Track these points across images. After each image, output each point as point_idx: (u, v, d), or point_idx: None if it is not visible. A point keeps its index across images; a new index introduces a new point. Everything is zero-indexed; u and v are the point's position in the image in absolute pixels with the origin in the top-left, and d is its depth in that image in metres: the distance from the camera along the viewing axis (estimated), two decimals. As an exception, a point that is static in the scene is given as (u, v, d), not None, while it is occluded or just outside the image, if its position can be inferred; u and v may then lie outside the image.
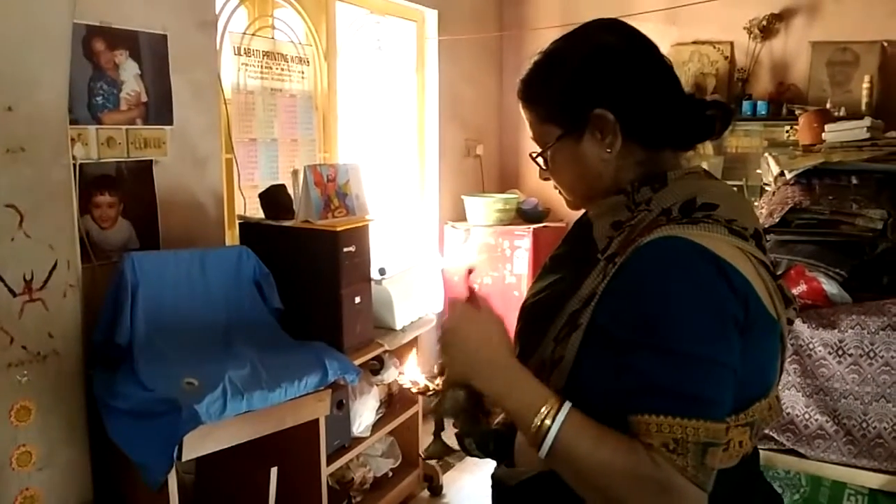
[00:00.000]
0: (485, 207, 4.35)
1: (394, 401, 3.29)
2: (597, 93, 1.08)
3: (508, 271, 4.27)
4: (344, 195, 2.82)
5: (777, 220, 3.09)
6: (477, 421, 1.13)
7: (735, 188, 4.32)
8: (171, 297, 2.46)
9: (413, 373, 1.59)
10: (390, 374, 3.16)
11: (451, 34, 4.36)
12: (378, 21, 3.98)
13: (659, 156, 1.10)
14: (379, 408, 3.12)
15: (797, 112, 4.05)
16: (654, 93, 1.09)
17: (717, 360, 0.92)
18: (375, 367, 3.15)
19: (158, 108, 2.64)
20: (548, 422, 0.96)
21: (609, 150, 1.09)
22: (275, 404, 2.33)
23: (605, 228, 1.09)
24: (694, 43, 4.45)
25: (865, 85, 3.97)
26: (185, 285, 2.51)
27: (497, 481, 1.21)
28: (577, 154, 1.10)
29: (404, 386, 1.58)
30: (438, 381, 1.55)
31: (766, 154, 3.36)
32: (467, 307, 1.10)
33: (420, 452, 1.61)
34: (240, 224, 2.89)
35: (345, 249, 2.73)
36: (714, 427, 0.91)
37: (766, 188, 3.49)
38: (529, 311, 1.14)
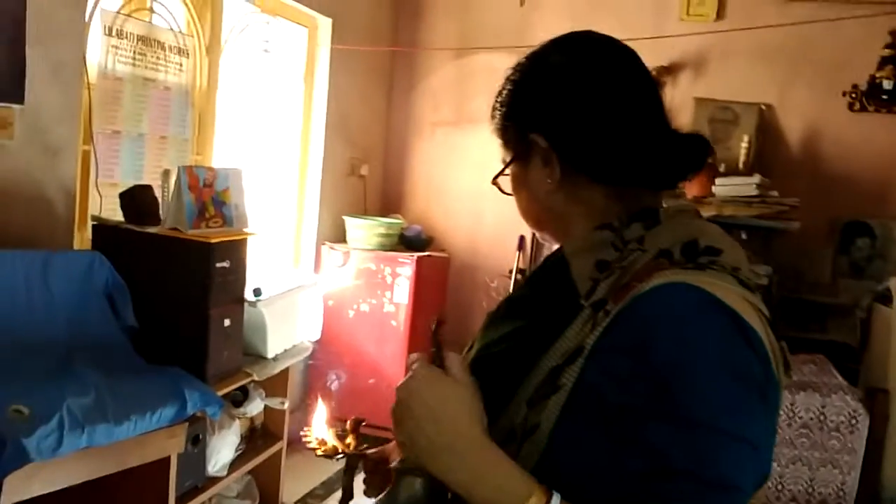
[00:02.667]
0: (366, 230, 4.12)
1: (255, 436, 2.98)
2: (532, 116, 0.96)
3: (388, 299, 4.04)
4: (221, 203, 2.52)
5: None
6: None
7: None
8: (2, 305, 2.06)
9: (319, 428, 1.34)
10: (255, 406, 2.86)
11: (344, 44, 4.13)
12: (268, 21, 3.70)
13: (629, 193, 0.94)
14: (239, 444, 2.80)
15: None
16: (598, 120, 0.92)
17: (741, 435, 0.76)
18: (238, 397, 2.83)
19: (8, 83, 2.24)
20: None
21: (549, 181, 0.95)
22: (121, 440, 1.99)
23: (587, 269, 0.90)
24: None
25: (744, 144, 4.08)
26: (22, 292, 2.13)
27: None
28: (525, 181, 0.99)
29: (309, 445, 1.32)
30: (350, 439, 1.30)
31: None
32: (429, 371, 0.86)
33: None
34: (93, 226, 2.51)
35: (218, 265, 2.42)
36: None
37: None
38: (484, 367, 0.93)
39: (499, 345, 0.95)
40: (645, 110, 0.94)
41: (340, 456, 1.25)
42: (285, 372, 2.94)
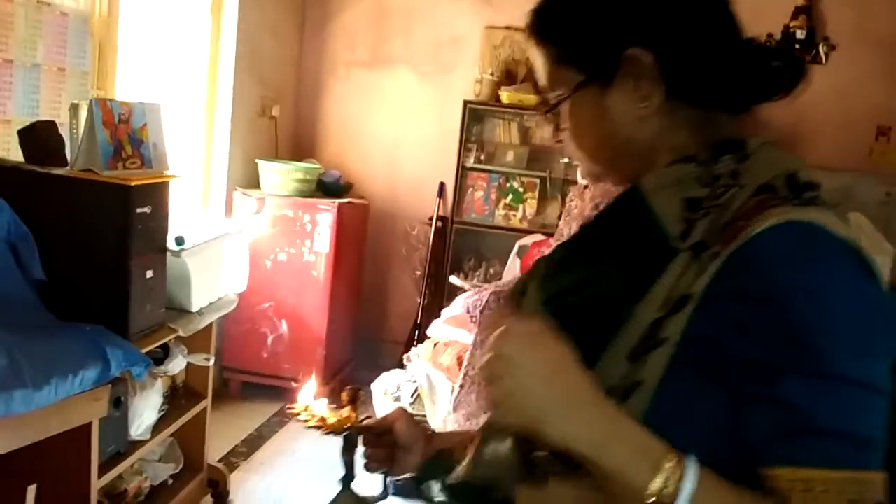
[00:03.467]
0: (283, 175, 3.90)
1: (177, 396, 2.77)
2: (633, 26, 0.82)
3: (308, 248, 3.85)
4: (139, 142, 2.27)
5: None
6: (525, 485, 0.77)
7: (538, 180, 4.33)
8: None
9: (316, 403, 1.20)
10: (177, 364, 2.64)
11: (254, -25, 3.83)
12: (172, -56, 3.36)
13: (711, 119, 0.84)
14: (161, 405, 2.59)
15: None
16: (710, 32, 0.83)
17: (881, 387, 0.68)
18: (159, 355, 2.61)
19: None
20: (670, 487, 0.66)
21: (645, 105, 0.82)
22: (41, 406, 1.77)
23: (675, 208, 0.79)
24: (507, 28, 4.33)
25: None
26: (-90, 243, 1.84)
27: None
28: (603, 108, 0.84)
29: (307, 424, 1.18)
30: (348, 411, 1.18)
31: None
32: (532, 324, 0.75)
33: None
34: (-12, 167, 2.21)
35: (138, 210, 2.19)
36: (880, 480, 0.67)
37: (583, 180, 3.44)
38: (562, 319, 0.80)
39: (576, 293, 0.83)
40: (733, 21, 0.84)
41: (345, 431, 1.12)
42: (209, 326, 2.74)
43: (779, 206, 0.72)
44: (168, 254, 2.42)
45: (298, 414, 0.98)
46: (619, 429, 0.70)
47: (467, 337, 3.13)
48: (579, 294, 0.83)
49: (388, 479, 1.15)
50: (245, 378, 3.85)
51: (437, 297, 4.38)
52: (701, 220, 0.76)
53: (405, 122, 4.45)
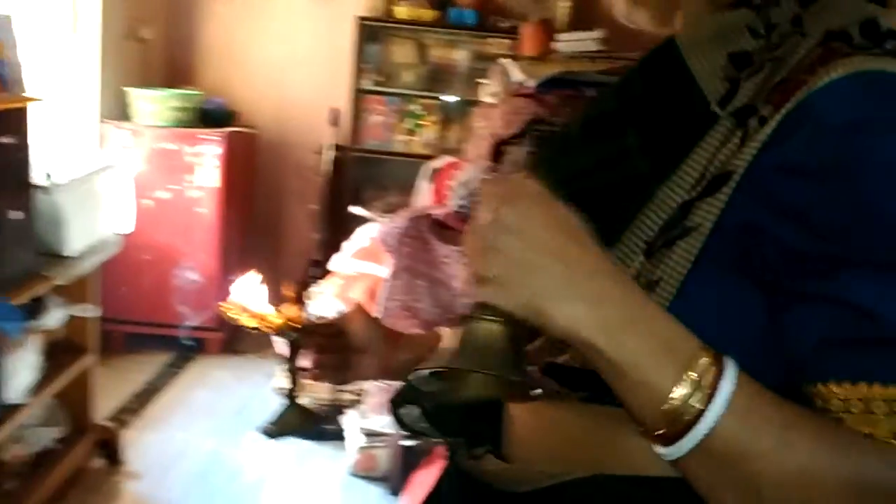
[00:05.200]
0: (158, 104, 3.51)
1: (57, 352, 2.46)
2: None
3: (191, 184, 3.52)
4: (-11, 58, 1.91)
5: (515, 131, 2.90)
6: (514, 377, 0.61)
7: (438, 103, 4.12)
8: None
9: (254, 300, 1.01)
10: (54, 318, 2.34)
11: None
12: None
13: None
14: (40, 364, 2.28)
15: (504, 24, 3.93)
16: None
17: None
18: (31, 307, 2.29)
19: None
20: (700, 393, 0.52)
21: None
22: None
23: (717, 64, 0.63)
24: (398, -62, 4.03)
25: (564, 2, 3.94)
26: None
27: (483, 482, 0.72)
28: None
29: (239, 321, 0.99)
30: (293, 310, 1.00)
31: (502, 61, 3.13)
32: (538, 186, 0.58)
33: (262, 429, 1.02)
34: None
35: (-5, 139, 1.86)
36: None
37: (489, 99, 3.28)
38: (581, 205, 0.64)
39: (590, 177, 0.67)
40: None
41: (292, 333, 0.95)
42: (90, 273, 2.43)
43: (851, 55, 0.57)
44: (37, 191, 2.09)
45: (229, 312, 0.84)
46: (640, 313, 0.55)
47: (379, 269, 2.95)
48: (594, 177, 0.68)
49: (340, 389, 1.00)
50: (129, 329, 3.53)
51: (336, 231, 4.15)
52: (749, 79, 0.61)
53: (293, 43, 4.10)
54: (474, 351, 0.57)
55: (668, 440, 0.53)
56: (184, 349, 3.51)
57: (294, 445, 2.85)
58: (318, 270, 3.94)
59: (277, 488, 2.58)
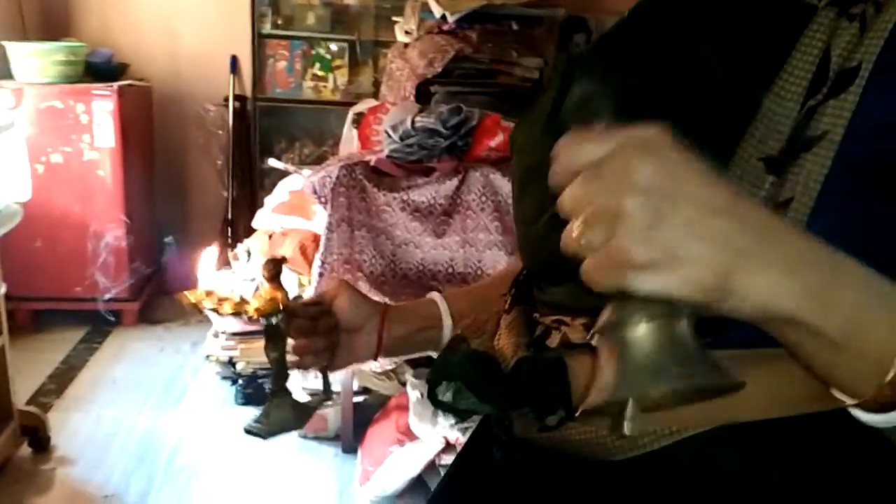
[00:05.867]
0: (40, 59, 3.18)
1: (-37, 337, 2.22)
2: None
3: (88, 144, 3.23)
4: None
5: (439, 69, 2.79)
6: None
7: (346, 45, 3.94)
8: None
9: (220, 282, 0.88)
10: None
11: None
12: None
13: None
14: (-54, 351, 2.05)
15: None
16: None
17: None
18: (-71, 290, 2.04)
19: None
20: None
21: None
22: None
23: None
24: None
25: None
26: None
27: (560, 453, 0.64)
28: None
29: (220, 313, 0.85)
30: (268, 289, 0.87)
31: (418, -5, 2.99)
32: (647, 132, 0.44)
33: (250, 428, 0.89)
34: None
35: None
36: None
37: (407, 35, 3.15)
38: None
39: (670, 102, 0.58)
40: None
41: (276, 317, 0.82)
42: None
43: None
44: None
45: (197, 304, 0.71)
46: (838, 269, 0.44)
47: (306, 223, 2.80)
48: (668, 103, 0.58)
49: (330, 375, 0.90)
50: (35, 305, 3.25)
51: (247, 187, 3.94)
52: None
53: (179, -14, 3.80)
54: (653, 364, 0.44)
55: (887, 407, 0.45)
56: (97, 322, 3.27)
57: (233, 413, 2.72)
58: (233, 230, 3.76)
59: (222, 461, 2.45)
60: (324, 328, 0.83)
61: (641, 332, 0.44)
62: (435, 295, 0.91)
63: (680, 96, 0.59)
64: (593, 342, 0.49)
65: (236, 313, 0.85)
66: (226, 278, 3.03)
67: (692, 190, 0.42)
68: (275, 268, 0.87)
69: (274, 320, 0.82)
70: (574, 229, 0.43)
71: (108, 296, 3.29)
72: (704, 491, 0.59)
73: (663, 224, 0.41)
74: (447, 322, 0.87)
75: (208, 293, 0.87)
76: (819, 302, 0.43)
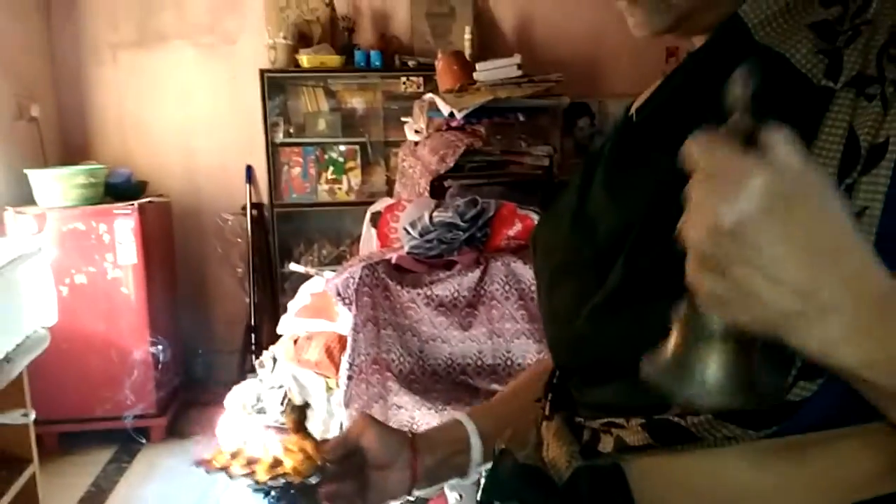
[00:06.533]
0: (62, 183, 3.27)
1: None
2: None
3: (111, 263, 3.27)
4: None
5: (452, 164, 2.85)
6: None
7: (357, 147, 4.03)
8: None
9: (250, 443, 0.83)
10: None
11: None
12: None
13: None
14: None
15: (411, 62, 3.91)
16: None
17: None
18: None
19: None
20: None
21: None
22: None
23: (802, 40, 0.58)
24: (289, -13, 3.95)
25: (467, 36, 3.96)
26: None
27: None
28: None
29: (254, 480, 0.79)
30: (294, 440, 0.82)
31: (428, 96, 3.07)
32: (780, 163, 0.42)
33: None
34: None
35: None
36: None
37: (416, 134, 3.22)
38: None
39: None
40: None
41: (315, 475, 0.77)
42: (20, 375, 2.18)
43: None
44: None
45: (227, 469, 0.66)
46: None
47: (330, 325, 2.80)
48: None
49: None
50: (62, 428, 3.23)
51: (269, 292, 3.96)
52: (848, 49, 0.56)
53: (194, 104, 3.93)
54: (710, 387, 0.46)
55: None
56: (126, 441, 3.23)
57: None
58: (257, 337, 3.75)
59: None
60: (353, 469, 0.80)
61: (707, 345, 0.46)
62: (459, 415, 0.87)
63: None
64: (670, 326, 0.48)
65: (273, 477, 0.78)
66: (252, 387, 3.01)
67: (771, 259, 0.42)
68: (299, 416, 0.82)
69: (312, 480, 0.77)
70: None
71: (135, 413, 3.29)
72: None
73: (730, 275, 0.42)
74: (475, 443, 0.84)
75: (234, 454, 0.81)
76: (882, 369, 0.44)
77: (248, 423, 2.83)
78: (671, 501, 0.60)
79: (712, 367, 0.46)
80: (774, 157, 0.41)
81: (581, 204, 0.70)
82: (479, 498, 0.71)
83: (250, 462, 0.80)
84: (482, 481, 0.78)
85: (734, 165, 0.41)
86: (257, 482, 0.78)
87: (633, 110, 0.73)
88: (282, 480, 0.78)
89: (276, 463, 0.79)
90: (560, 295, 0.70)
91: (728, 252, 0.42)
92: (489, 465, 0.81)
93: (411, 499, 0.90)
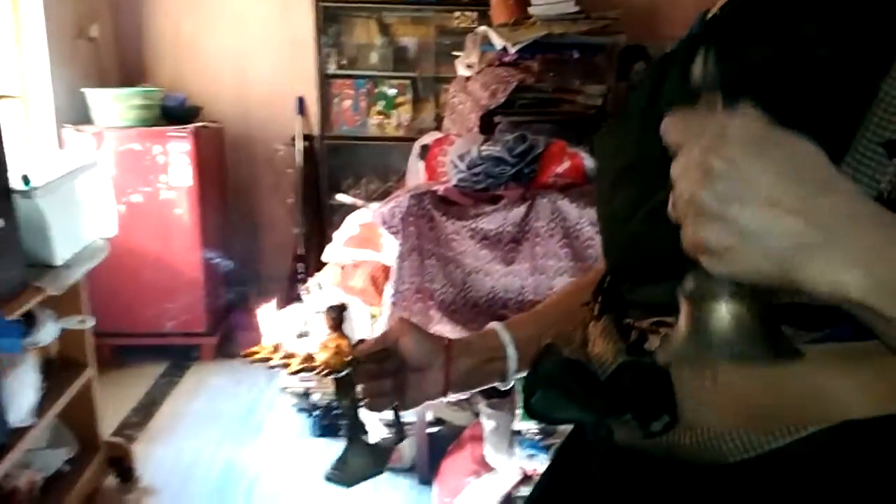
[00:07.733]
0: (119, 104, 3.33)
1: (54, 370, 2.31)
2: None
3: (164, 185, 3.35)
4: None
5: (503, 100, 2.82)
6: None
7: (409, 82, 4.01)
8: None
9: (286, 336, 0.88)
10: (48, 333, 2.18)
11: None
12: None
13: None
14: (40, 382, 2.13)
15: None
16: None
17: None
18: (24, 322, 2.13)
19: None
20: None
21: None
22: None
23: None
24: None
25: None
26: None
27: (666, 459, 0.63)
28: None
29: (289, 370, 0.85)
30: (333, 337, 0.86)
31: (481, 29, 3.04)
32: (744, 118, 0.46)
33: (329, 476, 0.87)
34: None
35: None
36: None
37: (468, 69, 3.19)
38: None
39: (780, 87, 0.58)
40: None
41: (343, 369, 0.82)
42: (78, 282, 2.27)
43: None
44: (16, 196, 1.94)
45: (267, 361, 0.71)
46: None
47: (376, 255, 2.84)
48: (769, 73, 0.58)
49: (401, 416, 0.88)
50: (117, 342, 3.36)
51: (317, 222, 4.02)
52: None
53: (248, 32, 3.94)
54: (721, 338, 0.49)
55: None
56: (177, 357, 3.36)
57: (309, 445, 2.74)
58: (304, 265, 3.82)
59: (300, 492, 2.47)
60: (391, 369, 0.83)
61: (715, 306, 0.49)
62: (495, 324, 0.89)
63: (785, 78, 0.59)
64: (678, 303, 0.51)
65: (304, 369, 0.84)
66: (297, 311, 3.09)
67: (779, 181, 0.44)
68: (337, 315, 0.86)
69: (343, 373, 0.82)
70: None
71: (186, 331, 3.40)
72: (820, 492, 0.57)
73: (727, 220, 0.45)
74: (511, 353, 0.86)
75: (275, 348, 0.87)
76: (887, 291, 0.44)
77: (295, 346, 2.92)
78: (710, 398, 0.62)
79: (726, 329, 0.49)
80: (744, 111, 0.46)
81: (652, 104, 0.70)
82: (521, 386, 0.73)
83: (288, 356, 0.86)
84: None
85: (712, 122, 0.46)
86: (291, 371, 0.84)
87: (709, 15, 0.72)
88: (312, 372, 0.82)
89: (310, 358, 0.84)
90: (623, 196, 0.71)
91: (724, 192, 0.44)
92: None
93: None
